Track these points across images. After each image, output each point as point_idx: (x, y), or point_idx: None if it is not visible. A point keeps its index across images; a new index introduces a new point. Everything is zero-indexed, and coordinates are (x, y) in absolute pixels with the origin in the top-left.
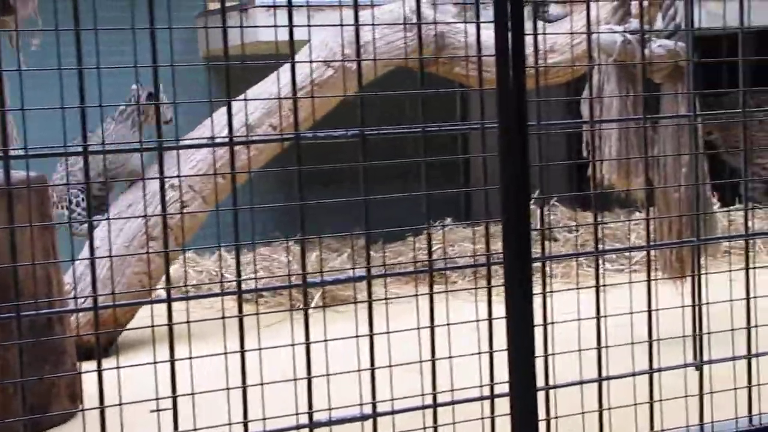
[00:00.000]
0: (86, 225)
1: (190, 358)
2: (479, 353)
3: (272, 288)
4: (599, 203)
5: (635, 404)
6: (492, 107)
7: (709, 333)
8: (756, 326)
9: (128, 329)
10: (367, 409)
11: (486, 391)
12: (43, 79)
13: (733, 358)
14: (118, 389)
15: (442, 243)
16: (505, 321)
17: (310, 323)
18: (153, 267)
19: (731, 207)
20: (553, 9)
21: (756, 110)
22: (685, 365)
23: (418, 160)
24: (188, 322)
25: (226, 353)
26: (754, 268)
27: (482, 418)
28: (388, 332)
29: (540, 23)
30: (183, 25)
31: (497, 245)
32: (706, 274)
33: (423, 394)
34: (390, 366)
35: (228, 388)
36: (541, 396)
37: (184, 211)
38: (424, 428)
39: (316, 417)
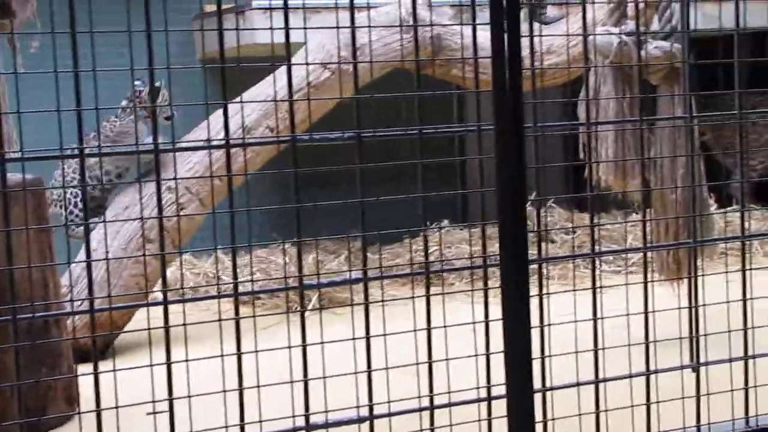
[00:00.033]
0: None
1: (187, 360)
2: (476, 355)
3: (269, 290)
4: (596, 205)
5: (632, 406)
6: (489, 109)
7: (705, 335)
8: (753, 328)
9: (125, 332)
10: (364, 412)
11: (483, 393)
12: (42, 80)
13: (730, 360)
14: (114, 392)
15: (438, 245)
16: (502, 323)
17: (307, 325)
18: (150, 269)
19: (728, 208)
20: (550, 11)
21: (751, 112)
22: (682, 367)
23: (415, 162)
24: (185, 324)
25: (222, 356)
26: (751, 269)
27: (479, 420)
28: (384, 334)
29: (537, 25)
30: (180, 27)
31: (495, 247)
32: (703, 275)
33: (420, 396)
34: (387, 368)
35: (225, 391)
36: (538, 398)
37: (181, 213)
38: (421, 430)
39: (313, 419)
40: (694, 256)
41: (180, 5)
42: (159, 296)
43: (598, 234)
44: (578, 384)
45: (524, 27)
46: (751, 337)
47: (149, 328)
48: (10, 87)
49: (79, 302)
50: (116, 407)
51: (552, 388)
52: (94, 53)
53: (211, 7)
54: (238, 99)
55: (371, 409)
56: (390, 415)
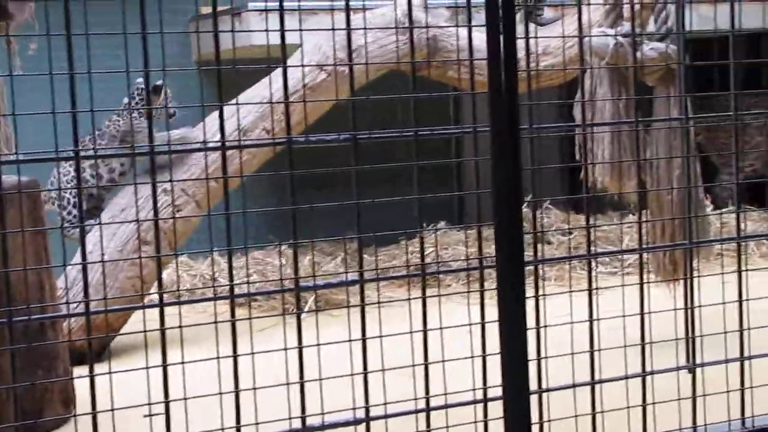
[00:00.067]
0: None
1: (183, 363)
2: (472, 357)
3: (265, 292)
4: (592, 206)
5: (628, 407)
6: (485, 110)
7: (702, 336)
8: (749, 329)
9: (121, 334)
10: (360, 413)
11: (479, 395)
12: (40, 82)
13: (726, 361)
14: (110, 394)
15: (435, 246)
16: (498, 324)
17: (303, 327)
18: (146, 272)
19: (723, 210)
20: (547, 12)
21: (747, 113)
22: (678, 368)
23: (411, 164)
24: (180, 327)
25: (218, 358)
26: (747, 270)
27: (475, 422)
28: (380, 336)
29: (534, 26)
30: (176, 28)
31: (491, 248)
32: (699, 276)
33: (416, 398)
34: (383, 370)
35: (221, 393)
36: (534, 399)
37: (177, 215)
38: None
39: (309, 421)
40: (690, 257)
41: (176, 6)
42: (155, 298)
43: (594, 235)
44: (574, 385)
45: (520, 28)
46: (747, 338)
47: (145, 331)
48: (7, 89)
49: (75, 305)
50: (112, 409)
51: (548, 390)
52: (89, 55)
53: (208, 9)
54: (234, 101)
55: (367, 410)
56: (386, 416)
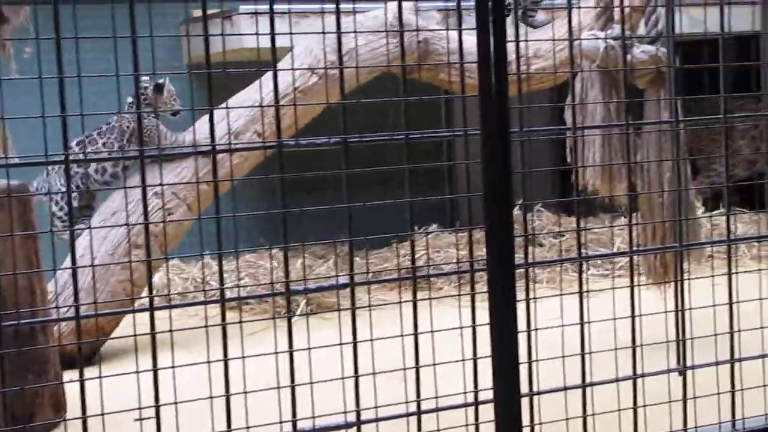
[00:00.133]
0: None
1: (173, 367)
2: (463, 360)
3: (256, 296)
4: (583, 209)
5: (619, 410)
6: (476, 113)
7: (692, 338)
8: (739, 331)
9: (112, 338)
10: (351, 417)
11: (470, 398)
12: (34, 85)
13: (717, 363)
14: (101, 398)
15: (426, 249)
16: (489, 328)
17: (295, 330)
18: (137, 275)
19: (713, 212)
20: (539, 15)
21: (737, 116)
22: (669, 371)
23: (402, 167)
24: (171, 330)
25: (209, 362)
26: (737, 273)
27: (466, 425)
28: (371, 339)
29: (526, 29)
30: (167, 32)
31: (483, 251)
32: (689, 279)
33: (407, 402)
34: (374, 373)
35: (211, 397)
36: (525, 402)
37: (167, 219)
38: None
39: (300, 425)
40: (681, 259)
41: (167, 10)
42: (146, 302)
43: (585, 238)
44: (565, 388)
45: (511, 31)
46: (738, 340)
47: (135, 335)
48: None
49: (66, 309)
50: (102, 414)
51: (539, 393)
52: (78, 59)
53: (199, 12)
54: (224, 104)
55: (358, 414)
56: (377, 420)
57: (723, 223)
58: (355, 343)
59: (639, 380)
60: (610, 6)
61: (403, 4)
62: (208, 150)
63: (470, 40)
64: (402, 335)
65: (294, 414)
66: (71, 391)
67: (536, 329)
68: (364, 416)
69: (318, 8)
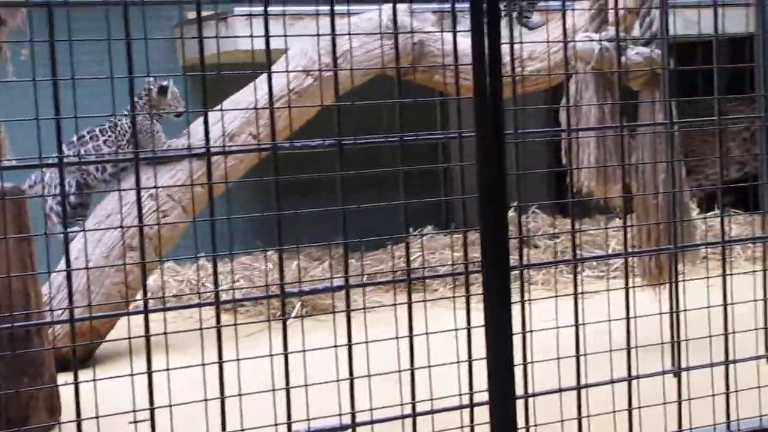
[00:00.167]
0: (61, 227)
1: (168, 369)
2: (458, 362)
3: (251, 298)
4: (578, 210)
5: (614, 411)
6: (471, 115)
7: (687, 339)
8: (734, 332)
9: (106, 341)
10: (346, 419)
11: (465, 400)
12: (30, 88)
13: (711, 365)
14: (95, 401)
15: (421, 251)
16: (484, 330)
17: (290, 332)
18: (132, 277)
19: (708, 213)
20: (535, 16)
21: (731, 118)
22: (664, 372)
23: (397, 169)
24: (165, 333)
25: (203, 364)
26: (731, 274)
27: (461, 427)
28: (366, 341)
29: (521, 31)
30: (162, 34)
31: (478, 253)
32: (684, 280)
33: (402, 404)
34: (369, 375)
35: (206, 400)
36: (520, 404)
37: (162, 221)
38: None
39: (295, 427)
40: (676, 261)
41: (162, 12)
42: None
43: (580, 239)
44: (560, 390)
45: (505, 33)
46: (733, 341)
47: (129, 337)
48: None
49: (60, 311)
50: (97, 417)
51: (534, 395)
52: (72, 61)
53: (194, 14)
54: (219, 106)
55: (353, 416)
56: (372, 422)
57: (718, 225)
58: (350, 345)
59: (634, 382)
60: (604, 8)
61: (398, 5)
62: (202, 152)
63: (465, 42)
64: (397, 337)
65: (289, 416)
66: (66, 394)
67: (531, 331)
68: (359, 418)
69: (312, 10)
